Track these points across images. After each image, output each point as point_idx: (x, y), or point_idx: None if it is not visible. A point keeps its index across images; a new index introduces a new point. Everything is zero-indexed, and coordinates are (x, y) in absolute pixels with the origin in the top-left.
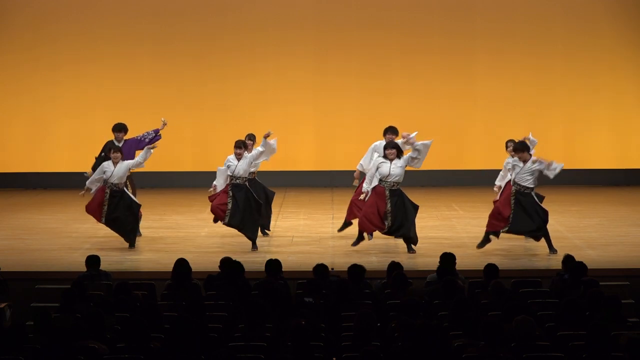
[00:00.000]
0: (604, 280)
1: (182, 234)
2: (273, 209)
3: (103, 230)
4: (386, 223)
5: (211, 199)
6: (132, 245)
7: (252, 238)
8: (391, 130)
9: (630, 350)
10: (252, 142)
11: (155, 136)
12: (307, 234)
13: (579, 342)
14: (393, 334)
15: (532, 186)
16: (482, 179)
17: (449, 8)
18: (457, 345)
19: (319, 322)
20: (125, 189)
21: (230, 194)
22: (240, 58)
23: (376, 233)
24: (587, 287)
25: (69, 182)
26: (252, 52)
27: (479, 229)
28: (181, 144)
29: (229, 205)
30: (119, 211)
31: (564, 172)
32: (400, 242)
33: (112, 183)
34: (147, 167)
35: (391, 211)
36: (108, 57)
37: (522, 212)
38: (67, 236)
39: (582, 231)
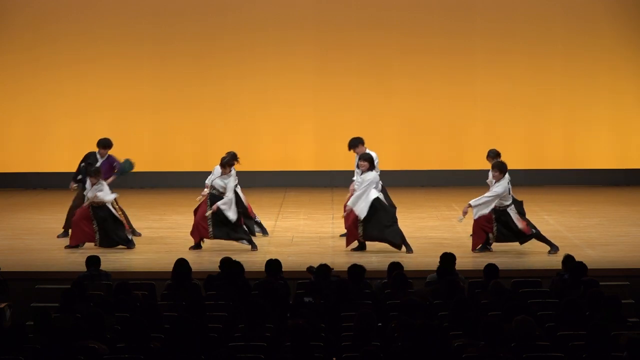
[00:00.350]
0: (604, 280)
1: (182, 234)
2: (273, 209)
3: None
4: (359, 231)
5: (195, 212)
6: (131, 246)
7: (245, 238)
8: (352, 143)
9: (630, 350)
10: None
11: (118, 167)
12: (307, 234)
13: (579, 342)
14: (393, 334)
15: (506, 203)
16: (482, 179)
17: (449, 8)
18: (457, 345)
19: (319, 322)
20: (108, 205)
21: (209, 203)
22: (240, 58)
23: None
24: (587, 287)
25: (69, 182)
26: (252, 52)
27: None
28: (181, 144)
29: (209, 216)
30: (106, 224)
31: (564, 172)
32: None
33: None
34: (147, 167)
35: (361, 221)
36: (108, 57)
37: (503, 228)
38: (67, 236)
39: (582, 231)
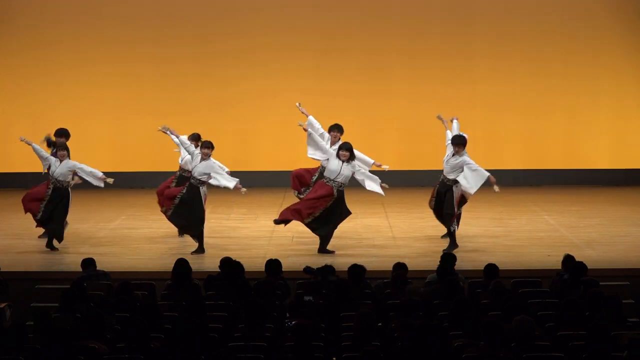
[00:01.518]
0: (604, 280)
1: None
2: (273, 209)
3: (103, 231)
4: (309, 218)
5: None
6: (60, 239)
7: (199, 238)
8: (337, 128)
9: (630, 350)
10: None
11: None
12: (307, 234)
13: (579, 342)
14: (393, 334)
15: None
16: None
17: (450, 12)
18: (457, 345)
19: (319, 322)
20: (70, 191)
21: (184, 191)
22: (240, 59)
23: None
24: (587, 287)
25: None
26: (252, 53)
27: (479, 228)
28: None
29: (176, 201)
30: (57, 210)
31: (564, 172)
32: (401, 242)
33: (55, 179)
34: (147, 167)
35: (328, 210)
36: (108, 59)
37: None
38: (66, 236)
39: (582, 231)
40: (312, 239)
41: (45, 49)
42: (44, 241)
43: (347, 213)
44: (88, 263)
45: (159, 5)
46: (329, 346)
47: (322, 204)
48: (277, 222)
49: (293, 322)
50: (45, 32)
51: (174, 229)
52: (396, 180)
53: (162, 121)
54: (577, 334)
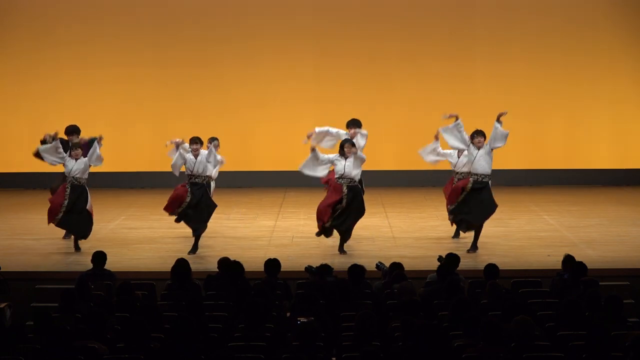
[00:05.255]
0: (604, 280)
1: (182, 234)
2: (273, 209)
3: (103, 231)
4: (332, 217)
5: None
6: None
7: (198, 235)
8: (354, 123)
9: (634, 349)
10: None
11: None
12: (307, 234)
13: (579, 342)
14: (393, 334)
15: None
16: None
17: (449, 15)
18: (457, 345)
19: (319, 322)
20: (86, 186)
21: (189, 190)
22: (240, 59)
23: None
24: (587, 287)
25: None
26: (252, 53)
27: None
28: None
29: (187, 199)
30: (77, 208)
31: (564, 172)
32: (401, 242)
33: (73, 177)
34: (148, 168)
35: (345, 207)
36: (108, 59)
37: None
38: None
39: (582, 231)
40: (312, 239)
41: (46, 51)
42: (45, 241)
43: (362, 210)
44: (99, 258)
45: (160, 8)
46: (329, 346)
47: (330, 207)
48: (318, 234)
49: (303, 320)
50: (46, 35)
51: (173, 229)
52: (396, 180)
53: (162, 121)
54: (577, 334)
